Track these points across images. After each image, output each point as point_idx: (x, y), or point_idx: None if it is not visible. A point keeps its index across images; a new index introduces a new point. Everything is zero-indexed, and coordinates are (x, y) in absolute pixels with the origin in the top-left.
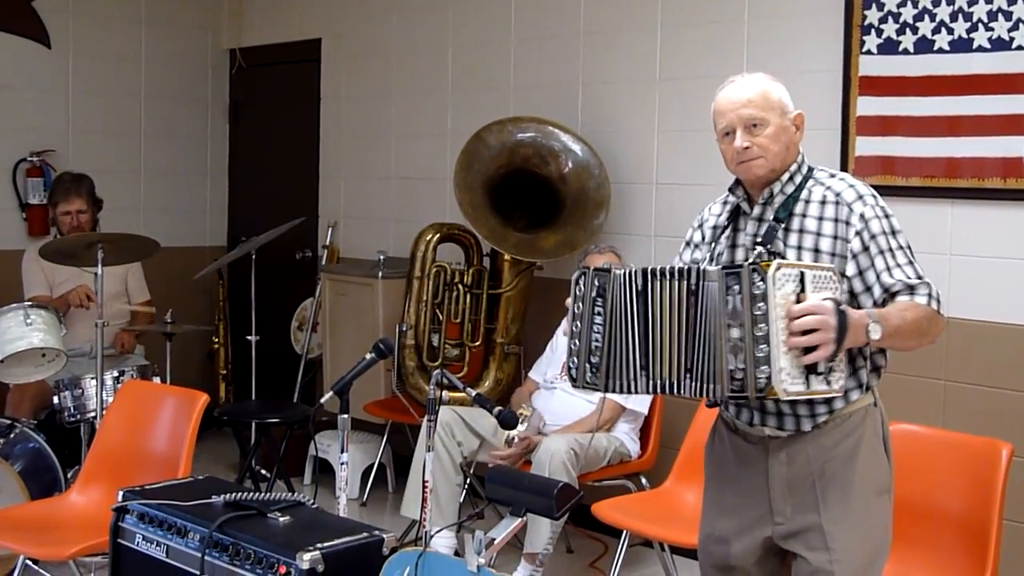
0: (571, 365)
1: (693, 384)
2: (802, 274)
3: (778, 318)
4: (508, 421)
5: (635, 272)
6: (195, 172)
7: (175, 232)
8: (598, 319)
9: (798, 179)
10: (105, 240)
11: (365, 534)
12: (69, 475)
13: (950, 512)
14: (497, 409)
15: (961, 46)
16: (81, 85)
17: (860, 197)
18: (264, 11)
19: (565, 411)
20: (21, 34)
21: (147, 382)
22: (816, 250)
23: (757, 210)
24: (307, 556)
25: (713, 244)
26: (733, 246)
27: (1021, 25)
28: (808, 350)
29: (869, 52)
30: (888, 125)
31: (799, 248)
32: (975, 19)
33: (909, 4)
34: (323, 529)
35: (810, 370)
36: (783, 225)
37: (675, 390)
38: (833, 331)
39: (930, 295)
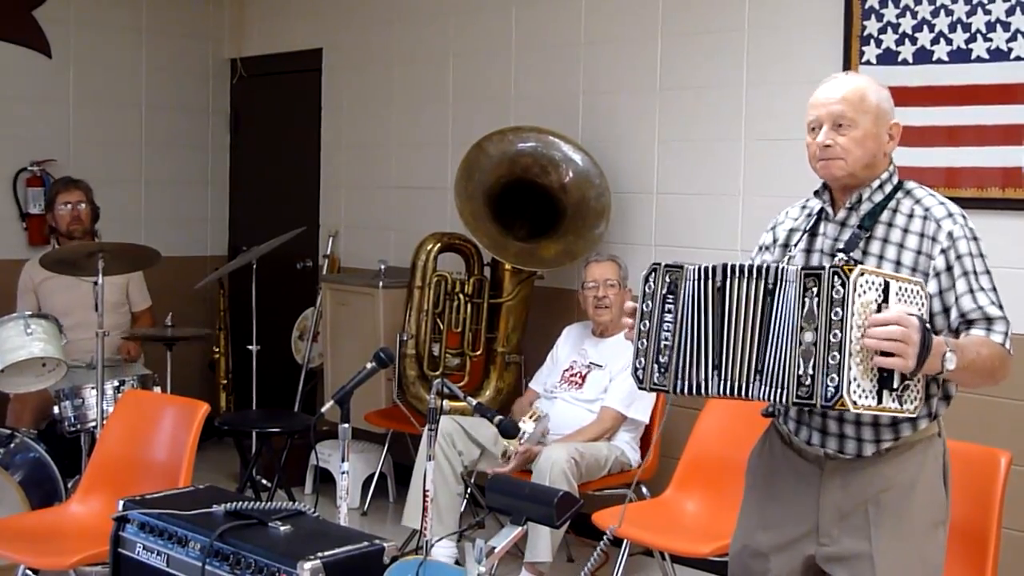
0: (637, 366)
1: (763, 388)
2: (886, 283)
3: (855, 326)
4: (508, 430)
5: (714, 267)
6: (196, 182)
7: (176, 242)
8: (668, 316)
9: (888, 188)
10: (106, 249)
11: (366, 543)
12: (69, 485)
13: (949, 520)
14: (498, 418)
15: (960, 57)
16: (82, 94)
17: (950, 215)
18: (265, 21)
19: (566, 420)
20: (22, 43)
21: (147, 392)
22: (897, 263)
23: (841, 214)
24: (308, 565)
25: (788, 247)
26: (808, 251)
27: (1019, 36)
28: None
29: (868, 62)
30: None
31: (880, 258)
32: (974, 30)
33: (908, 15)
34: (324, 538)
35: (883, 385)
36: (867, 234)
37: (744, 393)
38: (915, 347)
39: (1006, 335)
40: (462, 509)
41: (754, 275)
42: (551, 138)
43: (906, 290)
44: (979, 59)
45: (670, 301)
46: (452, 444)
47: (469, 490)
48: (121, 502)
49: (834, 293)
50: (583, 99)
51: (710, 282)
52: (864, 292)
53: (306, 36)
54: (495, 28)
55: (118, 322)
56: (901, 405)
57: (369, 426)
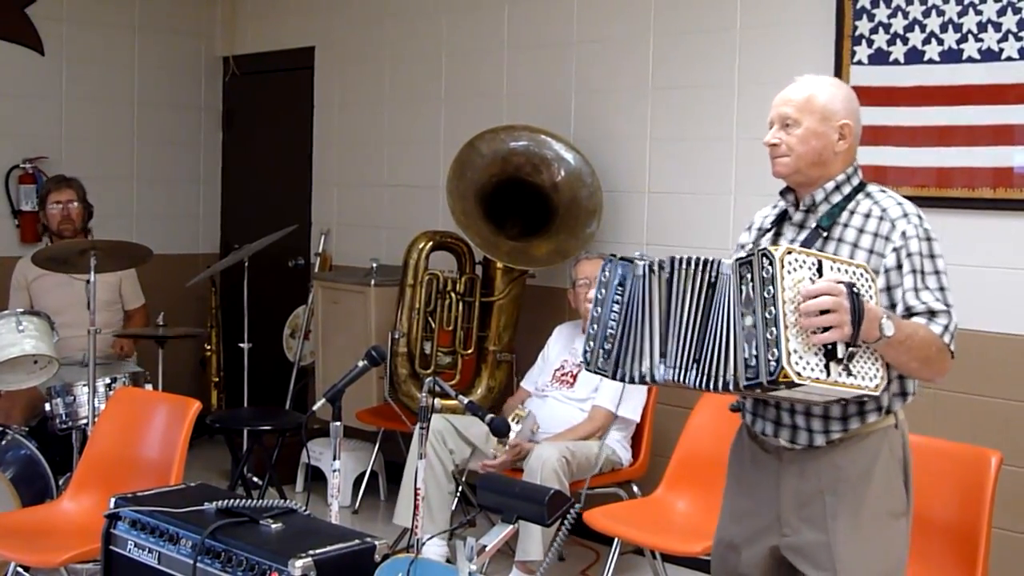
0: (586, 348)
1: (699, 377)
2: (819, 263)
3: (787, 300)
4: (500, 429)
5: (661, 261)
6: (188, 179)
7: (168, 239)
8: (616, 307)
9: (846, 189)
10: (98, 247)
11: (357, 541)
12: (61, 482)
13: (940, 520)
14: (489, 417)
15: (951, 57)
16: (74, 92)
17: (905, 215)
18: (258, 19)
19: (557, 419)
20: (14, 40)
21: (139, 389)
22: None
23: (798, 216)
24: (299, 563)
25: (753, 247)
26: None
27: (1010, 36)
28: (822, 338)
29: (860, 62)
30: (879, 135)
31: None
32: (965, 30)
33: (900, 15)
34: (315, 536)
35: (829, 357)
36: (825, 234)
37: (683, 380)
38: (847, 313)
39: (947, 328)
40: (453, 507)
41: (699, 267)
42: (543, 137)
43: (844, 270)
44: (970, 59)
45: (619, 292)
46: (443, 442)
47: (460, 488)
48: (113, 499)
49: (763, 273)
50: (575, 98)
51: (657, 275)
52: (795, 270)
53: (298, 34)
54: (487, 27)
55: (110, 320)
56: (853, 378)
57: (360, 424)
